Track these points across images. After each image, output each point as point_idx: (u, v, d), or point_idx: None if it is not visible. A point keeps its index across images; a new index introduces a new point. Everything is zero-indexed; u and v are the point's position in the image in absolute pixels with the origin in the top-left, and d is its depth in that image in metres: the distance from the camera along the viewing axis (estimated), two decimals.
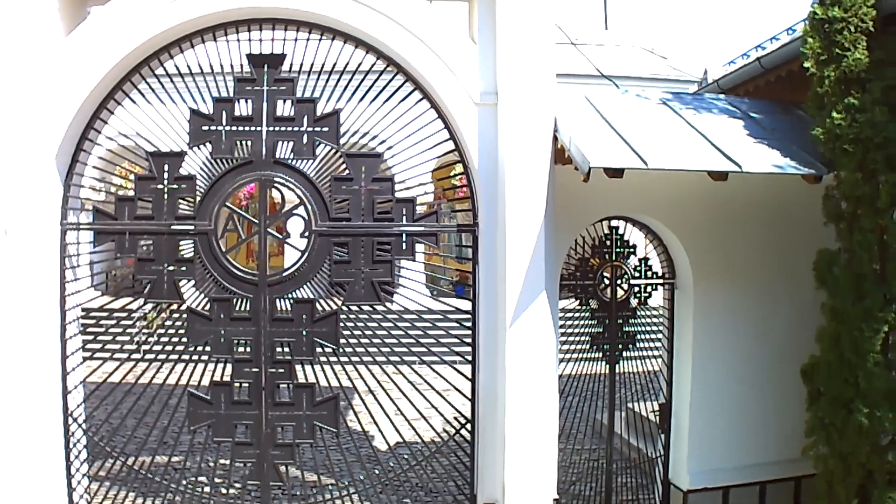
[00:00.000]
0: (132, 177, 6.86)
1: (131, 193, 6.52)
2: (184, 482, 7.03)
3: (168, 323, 6.92)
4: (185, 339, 6.53)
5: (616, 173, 5.75)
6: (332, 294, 6.60)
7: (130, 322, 8.29)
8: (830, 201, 5.92)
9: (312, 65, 6.38)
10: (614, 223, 7.50)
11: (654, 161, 5.71)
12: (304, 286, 6.51)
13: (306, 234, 6.45)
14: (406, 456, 7.14)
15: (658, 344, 7.84)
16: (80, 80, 6.17)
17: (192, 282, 6.53)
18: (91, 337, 7.06)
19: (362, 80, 6.35)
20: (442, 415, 6.76)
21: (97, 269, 7.14)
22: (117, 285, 17.12)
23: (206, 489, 7.04)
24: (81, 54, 6.17)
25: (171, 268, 6.36)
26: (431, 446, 6.87)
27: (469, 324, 6.67)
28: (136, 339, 10.88)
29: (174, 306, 6.76)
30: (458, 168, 7.10)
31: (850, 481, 5.70)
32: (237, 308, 6.49)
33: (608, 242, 7.45)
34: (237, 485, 7.52)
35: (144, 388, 6.72)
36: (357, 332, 6.64)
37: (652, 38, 23.95)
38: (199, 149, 6.44)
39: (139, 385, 6.74)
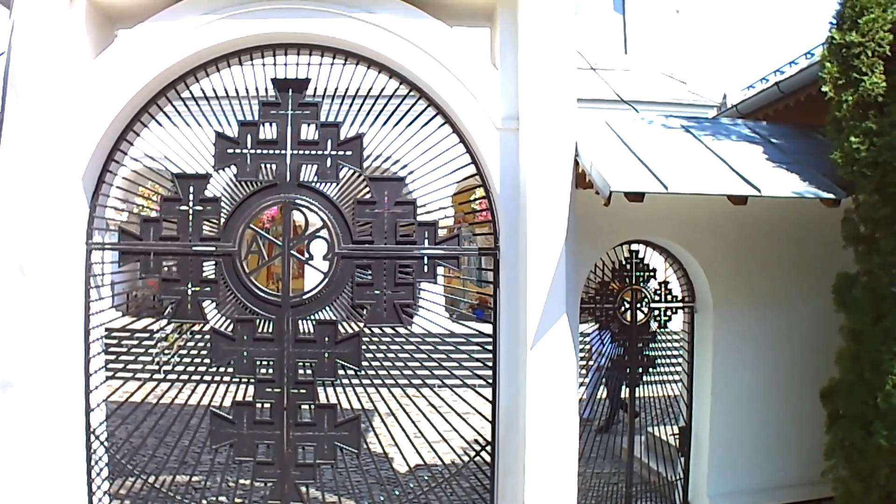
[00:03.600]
0: (153, 198, 6.91)
1: (155, 214, 6.60)
2: (204, 501, 7.05)
3: (190, 343, 6.95)
4: (206, 360, 6.58)
5: (637, 197, 5.78)
6: (352, 316, 6.64)
7: (152, 343, 8.35)
8: (849, 224, 5.93)
9: (336, 89, 6.44)
10: (634, 247, 7.51)
11: (675, 185, 5.75)
12: (326, 308, 6.55)
13: (329, 256, 6.49)
14: (426, 478, 7.13)
15: (677, 368, 7.82)
16: (108, 103, 6.28)
17: (214, 303, 6.58)
18: (113, 356, 7.12)
19: (385, 105, 6.41)
20: (462, 437, 6.77)
21: (118, 289, 7.19)
22: (138, 306, 17.20)
23: None
24: (109, 77, 6.27)
25: (195, 288, 6.43)
26: (452, 468, 6.88)
27: (490, 347, 6.69)
28: (157, 359, 10.94)
29: (195, 327, 6.83)
30: (478, 192, 7.16)
31: (869, 502, 5.69)
32: (260, 329, 6.54)
33: (628, 266, 7.46)
34: None
35: (166, 407, 6.77)
36: (379, 355, 6.68)
37: (671, 63, 23.93)
38: (223, 171, 6.52)
39: (160, 405, 6.78)
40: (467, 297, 19.14)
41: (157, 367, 7.79)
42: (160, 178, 7.20)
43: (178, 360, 6.99)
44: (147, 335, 7.10)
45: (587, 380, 8.53)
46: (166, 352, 11.39)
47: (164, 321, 6.79)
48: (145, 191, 7.73)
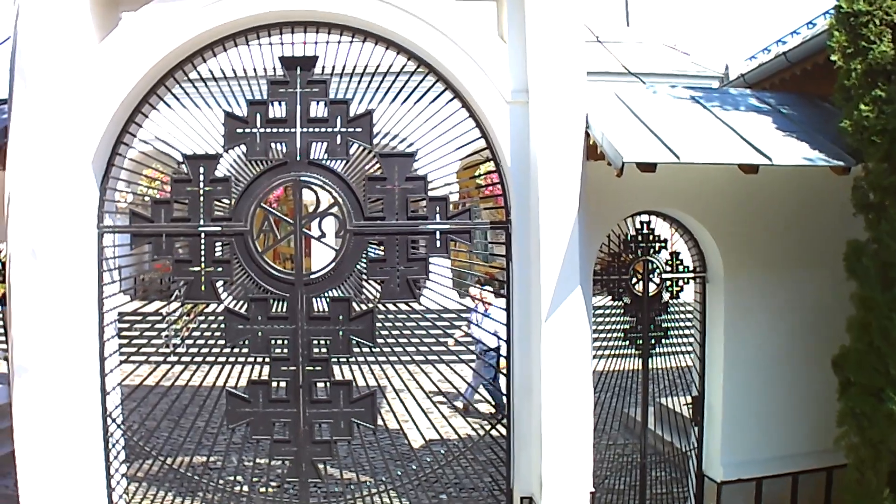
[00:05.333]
0: (163, 180, 6.89)
1: (166, 196, 6.59)
2: (221, 481, 7.08)
3: (203, 325, 6.96)
4: (220, 341, 6.60)
5: (649, 168, 5.76)
6: (361, 293, 6.65)
7: (165, 326, 8.35)
8: (859, 192, 5.90)
9: (345, 66, 6.41)
10: (645, 218, 7.49)
11: (686, 155, 5.73)
12: (339, 285, 6.56)
13: (341, 233, 6.50)
14: (442, 452, 7.16)
15: (690, 339, 7.82)
16: (115, 86, 6.25)
17: (227, 283, 6.58)
18: (126, 340, 7.12)
19: (394, 81, 6.36)
20: (477, 410, 6.78)
21: (126, 273, 7.18)
22: (146, 290, 17.20)
23: (244, 488, 7.10)
24: (115, 60, 6.24)
25: (207, 269, 6.43)
26: (468, 442, 6.90)
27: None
28: (170, 341, 10.96)
29: (205, 308, 6.83)
30: (483, 168, 7.13)
31: (880, 469, 5.68)
32: (274, 308, 6.54)
33: (639, 237, 7.43)
34: (273, 483, 7.58)
35: (181, 389, 6.80)
36: (395, 331, 6.70)
37: (673, 35, 23.93)
38: (233, 151, 6.50)
39: (175, 387, 6.81)
40: (475, 271, 19.13)
41: (170, 350, 7.80)
42: (170, 161, 7.19)
43: (191, 341, 6.99)
44: (159, 318, 7.12)
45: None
46: (178, 334, 11.42)
47: (175, 304, 6.80)
48: (155, 173, 7.69)
